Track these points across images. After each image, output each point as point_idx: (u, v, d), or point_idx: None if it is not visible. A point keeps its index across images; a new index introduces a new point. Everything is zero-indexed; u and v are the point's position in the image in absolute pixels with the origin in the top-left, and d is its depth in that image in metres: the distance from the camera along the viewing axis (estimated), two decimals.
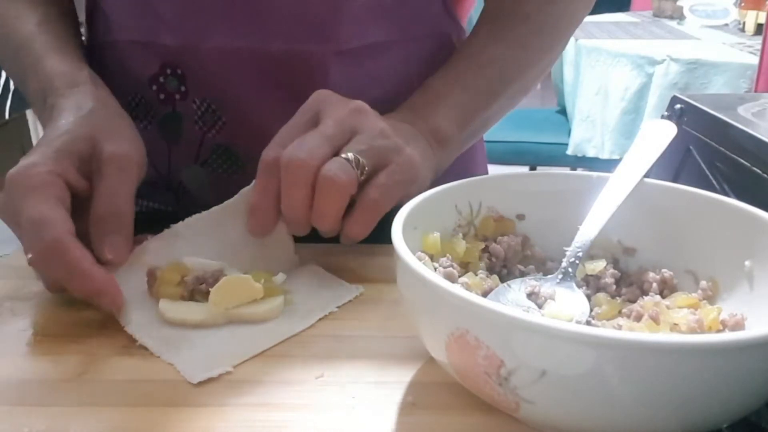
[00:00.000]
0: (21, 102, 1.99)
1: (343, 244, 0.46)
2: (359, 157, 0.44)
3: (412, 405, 0.35)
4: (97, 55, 0.59)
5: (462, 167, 0.66)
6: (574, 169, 2.14)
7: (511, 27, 0.57)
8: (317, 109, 0.47)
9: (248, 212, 0.46)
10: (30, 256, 0.40)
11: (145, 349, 0.39)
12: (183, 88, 0.57)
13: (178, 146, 0.59)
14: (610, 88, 1.96)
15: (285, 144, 0.45)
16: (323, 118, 0.46)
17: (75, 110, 0.47)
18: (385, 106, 0.59)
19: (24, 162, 0.43)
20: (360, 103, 0.47)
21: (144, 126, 0.59)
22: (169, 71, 0.57)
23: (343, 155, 0.44)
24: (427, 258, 0.39)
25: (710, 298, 0.38)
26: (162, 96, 0.58)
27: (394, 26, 0.57)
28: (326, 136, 0.45)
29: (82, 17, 0.62)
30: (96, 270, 0.41)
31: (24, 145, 1.93)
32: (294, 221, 0.45)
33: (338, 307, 0.43)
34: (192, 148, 0.59)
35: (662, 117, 0.54)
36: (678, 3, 2.50)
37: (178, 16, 0.55)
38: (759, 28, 2.10)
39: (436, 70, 0.59)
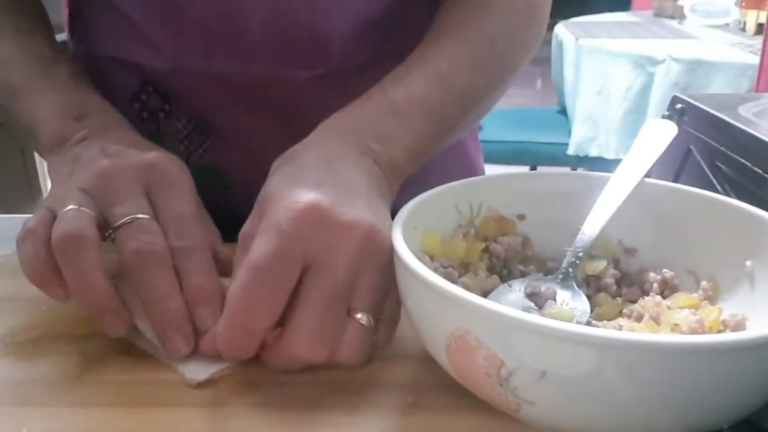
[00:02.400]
0: None
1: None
2: (369, 316, 0.37)
3: (412, 405, 0.35)
4: (80, 68, 0.58)
5: (459, 166, 0.66)
6: (574, 169, 2.14)
7: (479, 51, 0.51)
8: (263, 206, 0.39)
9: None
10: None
11: (145, 347, 0.39)
12: (167, 107, 0.56)
13: None
14: (611, 88, 1.96)
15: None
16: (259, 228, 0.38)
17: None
18: None
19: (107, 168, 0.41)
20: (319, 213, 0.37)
21: None
22: (150, 89, 0.56)
23: (359, 315, 0.37)
24: (427, 258, 0.39)
25: (711, 299, 0.38)
26: (145, 114, 0.57)
27: (380, 45, 0.56)
28: (282, 276, 0.36)
29: (56, 20, 0.60)
30: (103, 279, 0.38)
31: (23, 146, 1.93)
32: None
33: None
34: None
35: (663, 117, 0.54)
36: (679, 2, 2.50)
37: (159, 38, 0.53)
38: (760, 28, 2.10)
39: None
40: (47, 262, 0.38)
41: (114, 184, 0.41)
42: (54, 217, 0.39)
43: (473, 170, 0.68)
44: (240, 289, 0.35)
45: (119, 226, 0.39)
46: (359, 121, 0.45)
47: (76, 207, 0.39)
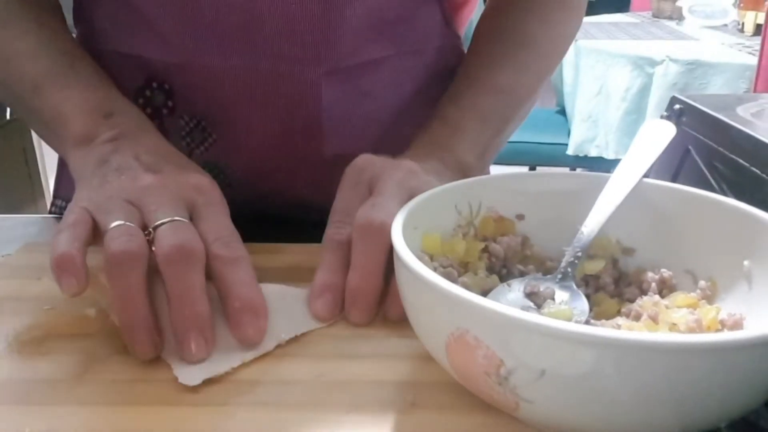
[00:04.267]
0: None
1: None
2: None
3: (412, 405, 0.35)
4: None
5: None
6: (573, 169, 2.14)
7: (515, 52, 0.58)
8: (369, 176, 0.45)
9: (315, 293, 0.42)
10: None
11: None
12: (170, 103, 0.56)
13: None
14: (610, 89, 1.96)
15: (348, 220, 0.42)
16: (381, 183, 0.44)
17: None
18: (377, 119, 0.58)
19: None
20: (410, 164, 0.46)
21: None
22: (155, 85, 0.56)
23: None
24: (426, 258, 0.39)
25: (709, 298, 0.38)
26: (149, 110, 0.57)
27: (390, 42, 0.57)
28: (396, 198, 0.42)
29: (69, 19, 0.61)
30: (149, 308, 0.38)
31: (25, 146, 1.93)
32: (370, 291, 0.41)
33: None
34: None
35: (661, 117, 0.54)
36: (677, 3, 2.51)
37: (170, 31, 0.53)
38: (758, 29, 2.11)
39: (431, 81, 0.59)
40: (81, 252, 0.38)
41: (159, 199, 0.41)
42: (92, 220, 0.39)
43: None
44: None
45: (160, 225, 0.39)
46: (427, 143, 0.52)
47: (124, 222, 0.38)
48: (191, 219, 0.41)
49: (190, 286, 0.38)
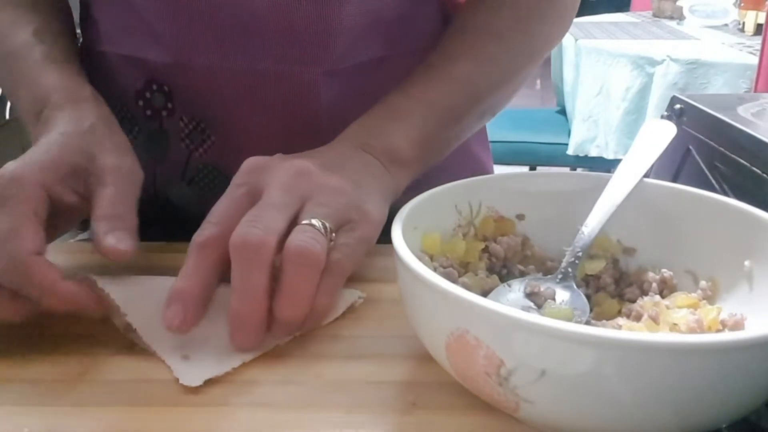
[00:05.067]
0: None
1: (303, 329, 0.40)
2: (324, 221, 0.39)
3: (412, 405, 0.35)
4: (86, 63, 0.58)
5: (469, 168, 0.65)
6: (574, 169, 2.14)
7: (483, 44, 0.54)
8: (254, 181, 0.41)
9: (166, 301, 0.38)
10: None
11: (145, 349, 0.39)
12: (170, 105, 0.56)
13: (163, 164, 0.58)
14: (611, 89, 1.96)
15: (222, 223, 0.39)
16: (266, 190, 0.40)
17: (74, 123, 0.46)
18: None
19: (5, 169, 0.41)
20: (301, 163, 0.42)
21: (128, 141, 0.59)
22: (155, 87, 0.56)
23: (305, 221, 0.38)
24: (426, 258, 0.39)
25: (710, 298, 0.38)
26: (148, 112, 0.57)
27: (389, 43, 0.56)
28: (277, 206, 0.39)
29: (77, 17, 0.61)
30: (65, 285, 0.38)
31: (24, 146, 1.92)
32: (252, 315, 0.37)
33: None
34: (178, 166, 0.58)
35: (662, 117, 0.54)
36: (678, 3, 2.50)
37: (169, 33, 0.53)
38: (758, 28, 2.11)
39: None
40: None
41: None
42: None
43: (482, 172, 0.68)
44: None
45: None
46: (357, 128, 0.49)
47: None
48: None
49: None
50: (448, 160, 0.55)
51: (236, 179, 0.42)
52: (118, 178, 0.43)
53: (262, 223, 0.37)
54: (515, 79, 0.56)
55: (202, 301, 0.39)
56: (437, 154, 0.52)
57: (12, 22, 0.54)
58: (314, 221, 0.38)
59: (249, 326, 0.37)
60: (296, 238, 0.37)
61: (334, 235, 0.39)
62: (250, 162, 0.42)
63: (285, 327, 0.39)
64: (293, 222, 0.39)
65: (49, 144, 0.44)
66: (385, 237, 0.36)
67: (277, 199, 0.39)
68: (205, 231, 0.39)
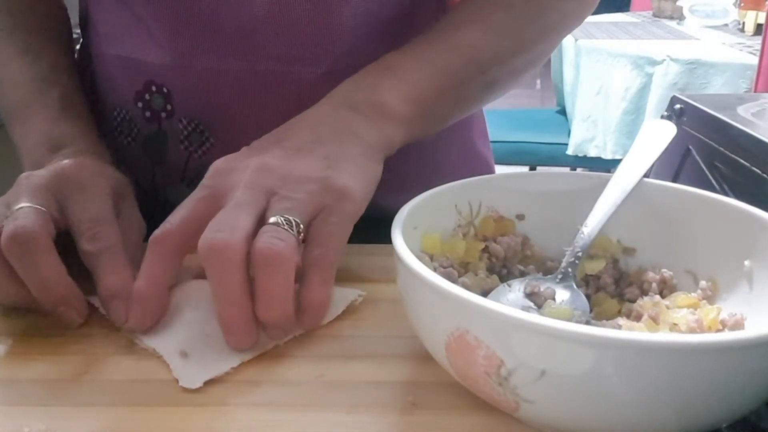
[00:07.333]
0: None
1: (304, 328, 0.40)
2: (289, 216, 0.38)
3: (412, 405, 0.35)
4: (86, 64, 0.58)
5: (470, 166, 0.65)
6: (574, 169, 2.14)
7: (490, 13, 0.51)
8: (218, 182, 0.40)
9: (134, 303, 0.39)
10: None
11: (145, 349, 0.39)
12: (169, 107, 0.56)
13: (162, 166, 0.58)
14: (610, 89, 1.96)
15: (179, 222, 0.39)
16: (229, 190, 0.39)
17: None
18: None
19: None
20: (264, 159, 0.41)
21: (128, 143, 0.59)
22: (154, 89, 0.56)
23: (271, 220, 0.37)
24: (426, 258, 0.39)
25: (710, 298, 0.38)
26: (148, 114, 0.57)
27: (388, 42, 0.55)
28: (241, 206, 0.38)
29: (75, 19, 0.61)
30: (65, 277, 0.39)
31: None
32: (237, 318, 0.37)
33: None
34: (177, 168, 0.58)
35: (662, 117, 0.54)
36: (678, 3, 2.50)
37: (167, 34, 0.53)
38: (758, 28, 2.11)
39: None
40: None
41: (22, 189, 0.42)
42: None
43: (486, 170, 0.67)
44: None
45: (18, 209, 0.40)
46: (347, 85, 0.48)
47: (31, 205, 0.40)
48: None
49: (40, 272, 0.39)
50: (453, 157, 0.55)
51: (202, 182, 0.41)
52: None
53: (227, 225, 0.37)
54: (526, 53, 0.54)
55: (157, 298, 0.39)
56: (437, 118, 0.51)
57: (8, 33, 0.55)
58: (278, 218, 0.37)
59: (238, 329, 0.37)
60: (259, 240, 0.36)
61: (302, 227, 0.38)
62: (216, 165, 0.42)
63: (274, 328, 0.38)
64: (262, 220, 0.38)
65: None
66: (385, 237, 0.36)
67: (240, 199, 0.38)
68: (160, 229, 0.39)
